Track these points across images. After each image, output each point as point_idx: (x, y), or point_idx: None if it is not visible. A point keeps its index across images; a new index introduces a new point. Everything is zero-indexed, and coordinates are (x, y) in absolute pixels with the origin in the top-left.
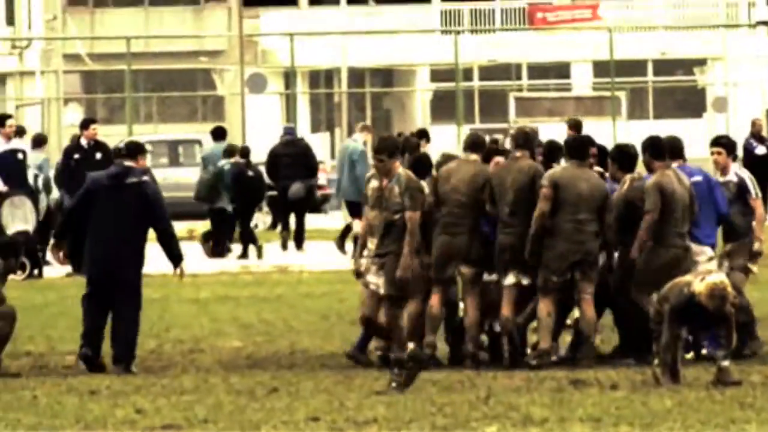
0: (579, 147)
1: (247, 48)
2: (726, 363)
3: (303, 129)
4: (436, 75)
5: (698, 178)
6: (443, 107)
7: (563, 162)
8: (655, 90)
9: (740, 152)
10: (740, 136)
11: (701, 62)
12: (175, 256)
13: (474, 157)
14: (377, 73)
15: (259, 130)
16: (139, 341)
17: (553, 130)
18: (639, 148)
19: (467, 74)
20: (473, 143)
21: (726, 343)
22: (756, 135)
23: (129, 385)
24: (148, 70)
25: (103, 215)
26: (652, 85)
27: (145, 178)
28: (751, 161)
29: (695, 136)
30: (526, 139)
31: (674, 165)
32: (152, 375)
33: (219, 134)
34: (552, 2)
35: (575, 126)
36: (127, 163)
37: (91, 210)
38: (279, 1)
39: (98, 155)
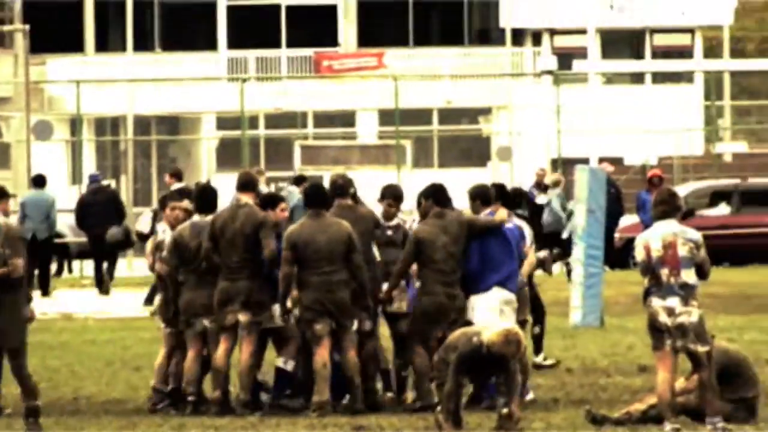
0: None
1: (33, 95)
2: (507, 410)
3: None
4: (222, 123)
5: (510, 225)
6: (229, 155)
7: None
8: (441, 138)
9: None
10: (524, 184)
11: (486, 111)
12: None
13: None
14: (163, 120)
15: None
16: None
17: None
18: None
19: (253, 122)
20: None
21: (507, 390)
22: (539, 184)
23: None
24: None
25: None
26: (438, 134)
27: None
28: (532, 210)
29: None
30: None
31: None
32: None
33: (40, 182)
34: (338, 51)
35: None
36: None
37: None
38: (65, 48)
39: None
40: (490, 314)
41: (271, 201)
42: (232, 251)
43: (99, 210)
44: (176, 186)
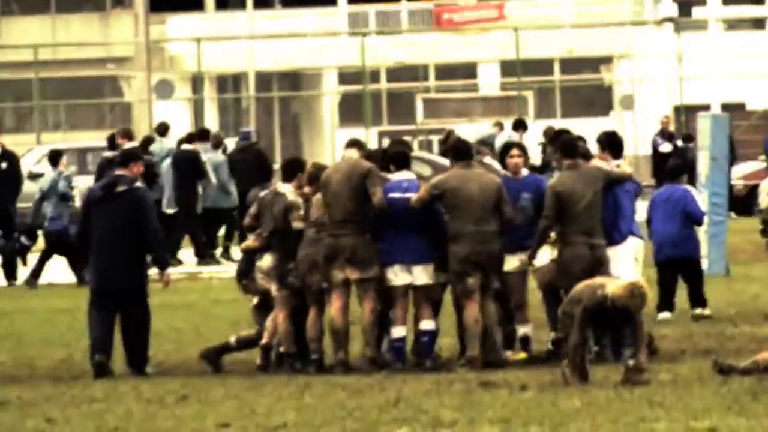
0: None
1: (154, 54)
2: (633, 362)
3: None
4: (344, 78)
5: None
6: (351, 110)
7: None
8: (562, 89)
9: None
10: (648, 133)
11: (608, 60)
12: (159, 263)
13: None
14: (284, 76)
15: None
16: (48, 351)
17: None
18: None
19: (374, 76)
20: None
21: (633, 342)
22: (663, 132)
23: (39, 394)
24: (55, 78)
25: (100, 226)
26: (559, 84)
27: (137, 184)
28: (657, 158)
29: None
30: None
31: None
32: (62, 384)
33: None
34: (458, 3)
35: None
36: (119, 171)
37: (90, 222)
38: (185, 6)
39: (3, 165)
40: (628, 264)
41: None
42: (336, 207)
43: (246, 167)
44: (128, 146)
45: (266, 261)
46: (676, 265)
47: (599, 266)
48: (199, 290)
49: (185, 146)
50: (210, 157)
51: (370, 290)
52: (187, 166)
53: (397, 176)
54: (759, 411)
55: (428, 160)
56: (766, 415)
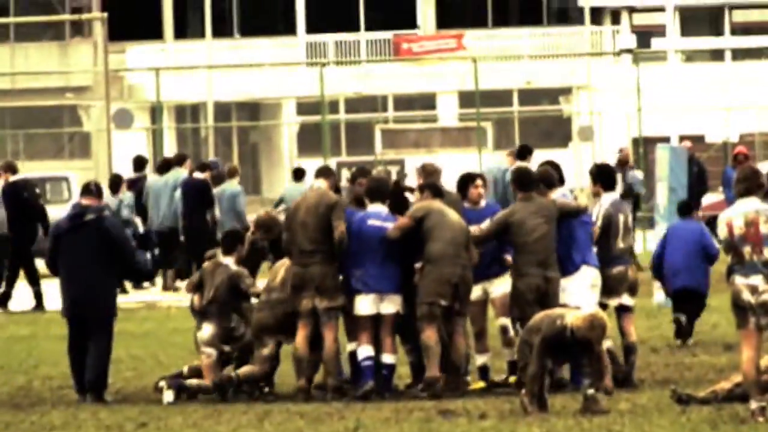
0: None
1: (113, 83)
2: (592, 392)
3: None
4: (303, 108)
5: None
6: (310, 140)
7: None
8: (521, 120)
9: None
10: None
11: (567, 91)
12: (146, 277)
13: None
14: (243, 106)
15: (126, 166)
16: (7, 378)
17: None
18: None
19: (333, 107)
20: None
21: (592, 371)
22: (622, 163)
23: None
24: (14, 107)
25: (69, 255)
26: (518, 115)
27: (106, 213)
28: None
29: (562, 165)
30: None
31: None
32: (21, 412)
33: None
34: (417, 33)
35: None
36: (85, 201)
37: (58, 253)
38: (144, 35)
39: None
40: (585, 293)
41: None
42: (304, 236)
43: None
44: (13, 179)
45: (206, 331)
46: (688, 294)
47: (552, 298)
48: (157, 319)
49: (197, 174)
50: (225, 188)
51: (334, 319)
52: (197, 195)
53: (372, 208)
54: None
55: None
56: None
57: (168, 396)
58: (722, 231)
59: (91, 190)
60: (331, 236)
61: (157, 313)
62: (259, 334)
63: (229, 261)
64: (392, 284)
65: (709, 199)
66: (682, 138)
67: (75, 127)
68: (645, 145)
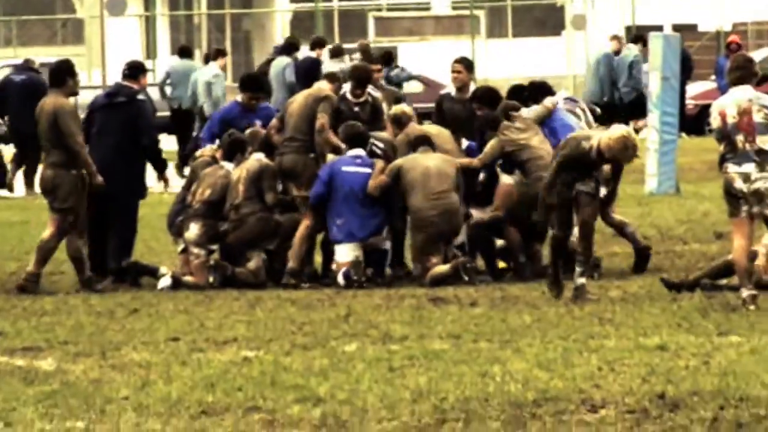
0: None
1: None
2: (583, 280)
3: (163, 51)
4: None
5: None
6: (303, 28)
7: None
8: (514, 8)
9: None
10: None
11: None
12: (158, 167)
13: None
14: None
15: (119, 53)
16: (0, 264)
17: (412, 50)
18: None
19: None
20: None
21: (584, 259)
22: (617, 52)
23: None
24: None
25: (98, 131)
26: (511, 4)
27: (140, 97)
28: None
29: (554, 54)
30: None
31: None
32: (12, 297)
33: (186, 52)
34: None
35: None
36: (125, 82)
37: (90, 127)
38: None
39: None
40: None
41: None
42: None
43: None
44: None
45: (192, 231)
46: None
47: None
48: (149, 204)
49: (310, 53)
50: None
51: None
52: (307, 73)
53: (351, 153)
54: (708, 328)
55: (423, 78)
56: (715, 332)
57: (164, 281)
58: (715, 120)
59: (127, 72)
60: (312, 129)
61: (150, 198)
62: (243, 251)
63: (230, 167)
64: (374, 230)
65: (701, 87)
66: (675, 27)
67: (68, 13)
68: (637, 33)
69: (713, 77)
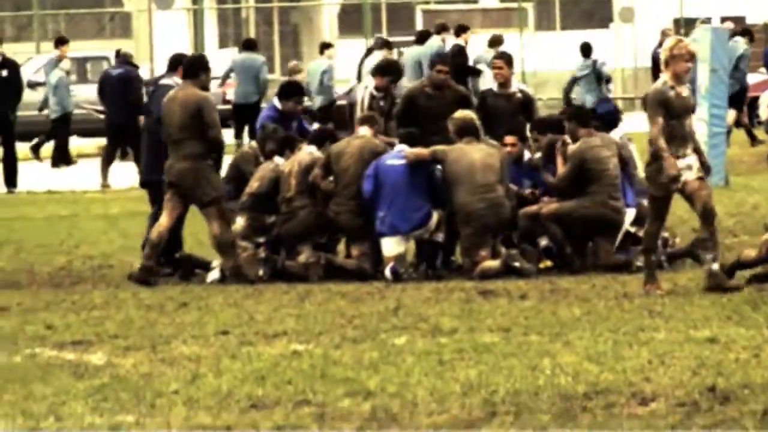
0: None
1: None
2: (716, 266)
3: (210, 45)
4: None
5: None
6: (350, 21)
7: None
8: (562, 1)
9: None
10: (647, 46)
11: None
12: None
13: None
14: None
15: (166, 46)
16: (48, 258)
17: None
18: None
19: None
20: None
21: (713, 245)
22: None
23: (39, 301)
24: None
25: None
26: None
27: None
28: (657, 71)
29: (602, 46)
30: None
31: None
32: (62, 291)
33: (250, 45)
34: None
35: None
36: (166, 79)
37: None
38: None
39: (4, 73)
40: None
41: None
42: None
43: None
44: None
45: (238, 224)
46: None
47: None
48: None
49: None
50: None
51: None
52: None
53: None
54: (759, 321)
55: None
56: (765, 324)
57: (213, 275)
58: (764, 112)
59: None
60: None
61: None
62: (294, 244)
63: (280, 161)
64: (417, 223)
65: (751, 79)
66: (723, 19)
67: (116, 7)
68: (686, 26)
69: (762, 69)
